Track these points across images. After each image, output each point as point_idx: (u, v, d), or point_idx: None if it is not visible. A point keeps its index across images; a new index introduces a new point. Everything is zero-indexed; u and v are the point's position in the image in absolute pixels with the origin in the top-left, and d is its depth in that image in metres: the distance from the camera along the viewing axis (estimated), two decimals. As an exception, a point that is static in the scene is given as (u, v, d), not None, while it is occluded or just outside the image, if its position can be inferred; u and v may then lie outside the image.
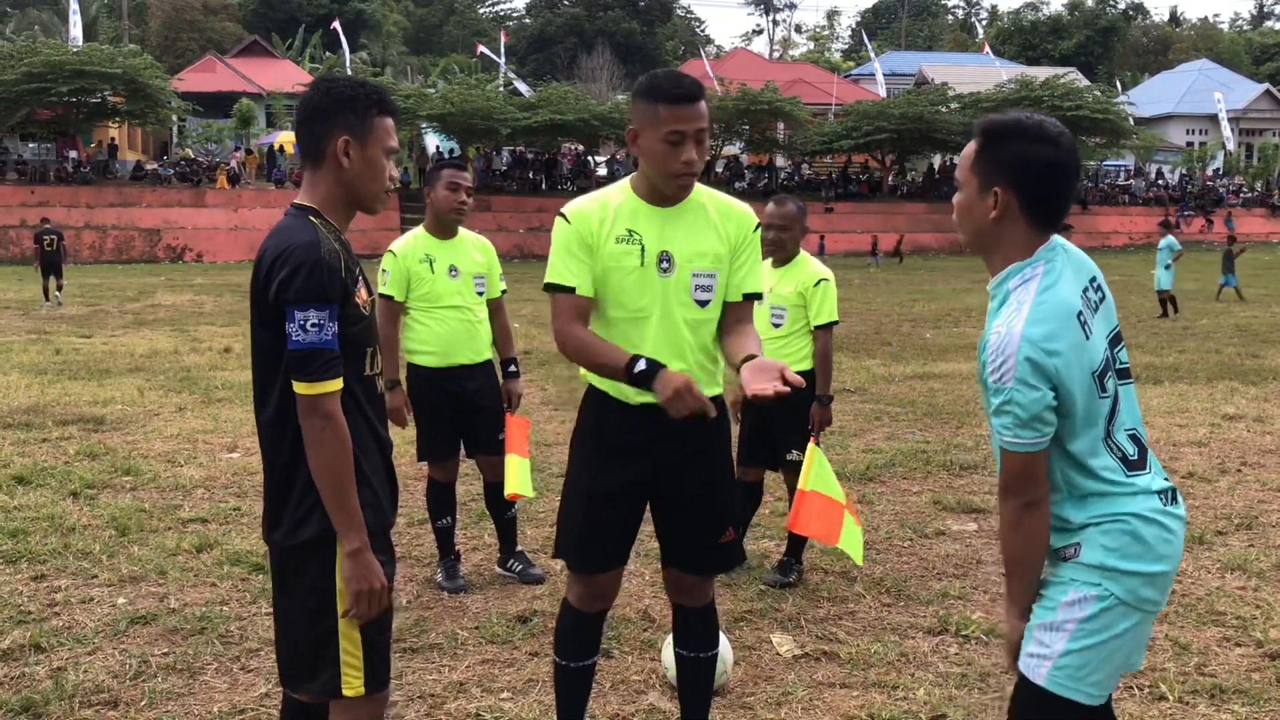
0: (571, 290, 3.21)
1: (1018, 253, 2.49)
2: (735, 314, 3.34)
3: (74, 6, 46.98)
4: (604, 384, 3.30)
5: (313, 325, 2.49)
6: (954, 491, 7.12)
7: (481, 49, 56.66)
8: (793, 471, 5.23)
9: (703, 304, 3.26)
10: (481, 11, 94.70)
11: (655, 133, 3.11)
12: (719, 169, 47.73)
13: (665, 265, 3.22)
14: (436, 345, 5.12)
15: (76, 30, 46.37)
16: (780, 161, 51.24)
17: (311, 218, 2.65)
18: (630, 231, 3.23)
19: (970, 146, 2.54)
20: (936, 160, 52.36)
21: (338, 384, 2.54)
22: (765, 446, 5.44)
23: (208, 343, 15.29)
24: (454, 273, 5.11)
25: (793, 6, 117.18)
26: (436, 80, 56.35)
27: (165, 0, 67.69)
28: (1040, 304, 2.39)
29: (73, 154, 41.38)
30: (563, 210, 3.29)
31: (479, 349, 5.23)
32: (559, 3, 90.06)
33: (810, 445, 5.12)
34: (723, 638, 4.21)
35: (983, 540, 6.08)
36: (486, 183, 43.43)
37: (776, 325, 5.25)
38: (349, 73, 44.70)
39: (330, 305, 2.52)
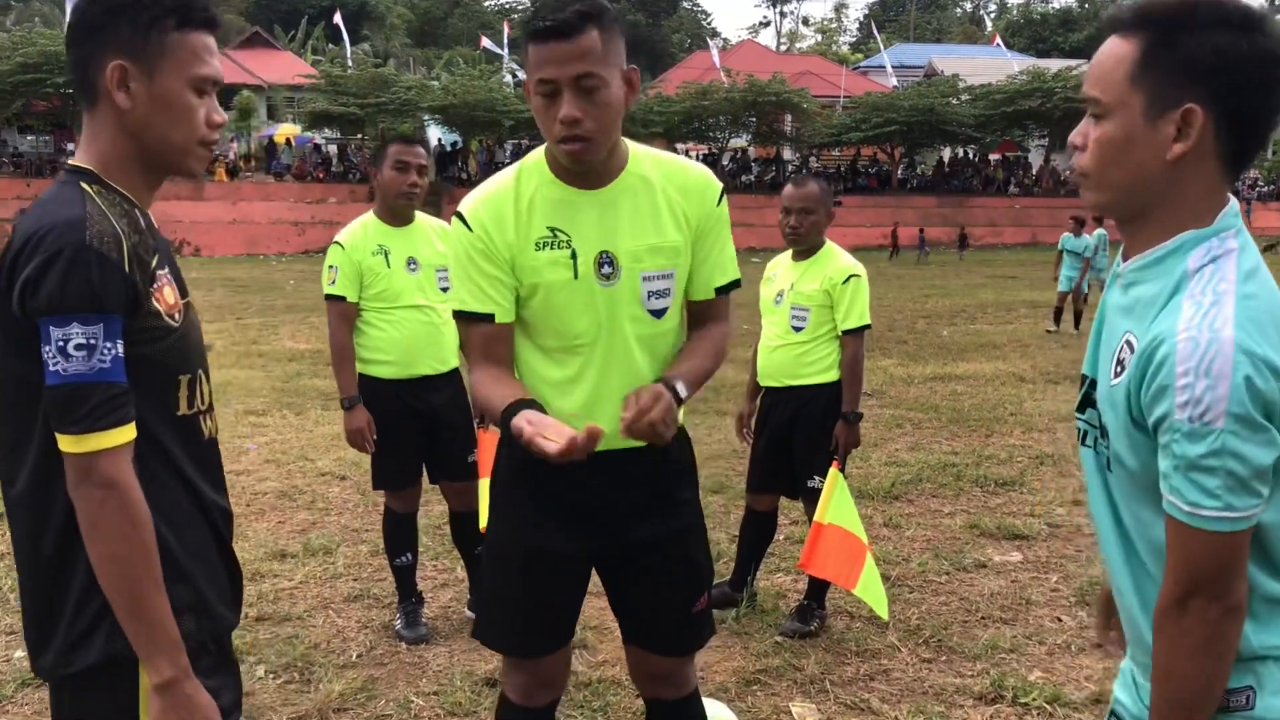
0: (489, 318, 2.39)
1: (1194, 213, 1.60)
2: (701, 313, 2.56)
3: (70, -4, 46.29)
4: None
5: (77, 348, 1.68)
6: (991, 513, 6.32)
7: (485, 42, 55.76)
8: (813, 500, 4.44)
9: (658, 314, 2.45)
10: (486, 4, 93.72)
11: (531, 85, 2.29)
12: (725, 162, 46.93)
13: (607, 271, 2.39)
14: (394, 353, 4.30)
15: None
16: (788, 154, 50.39)
17: (84, 184, 1.82)
18: (554, 231, 2.38)
19: (1120, 47, 1.61)
20: (946, 153, 51.48)
21: (124, 434, 1.73)
22: (782, 469, 4.64)
23: (189, 340, 14.50)
24: (413, 266, 4.29)
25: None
26: (440, 72, 55.56)
27: (166, -8, 66.93)
28: (1250, 297, 1.52)
29: (70, 146, 40.69)
30: (460, 210, 2.45)
31: (444, 356, 4.40)
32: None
33: (832, 470, 4.35)
34: (726, 711, 3.44)
35: (1029, 573, 5.28)
36: (490, 175, 42.65)
37: (797, 329, 4.45)
38: (350, 66, 43.98)
39: (105, 316, 1.70)
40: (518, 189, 2.42)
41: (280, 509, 6.43)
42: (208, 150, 1.93)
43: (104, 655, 1.77)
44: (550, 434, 2.08)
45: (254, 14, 69.92)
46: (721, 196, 2.52)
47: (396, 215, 4.32)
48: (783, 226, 4.42)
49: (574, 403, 2.43)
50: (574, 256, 2.37)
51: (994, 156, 49.85)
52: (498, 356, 2.42)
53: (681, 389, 2.31)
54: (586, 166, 2.34)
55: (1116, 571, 1.69)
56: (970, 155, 50.19)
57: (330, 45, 57.52)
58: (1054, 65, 50.85)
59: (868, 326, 4.40)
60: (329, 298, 4.27)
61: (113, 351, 1.70)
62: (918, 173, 50.68)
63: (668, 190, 2.45)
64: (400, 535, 4.52)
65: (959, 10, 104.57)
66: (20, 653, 4.23)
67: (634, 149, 2.48)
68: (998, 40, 61.54)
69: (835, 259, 4.45)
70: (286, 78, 48.51)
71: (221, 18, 1.95)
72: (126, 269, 1.74)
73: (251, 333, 15.35)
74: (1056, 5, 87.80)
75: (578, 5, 2.22)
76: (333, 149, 44.89)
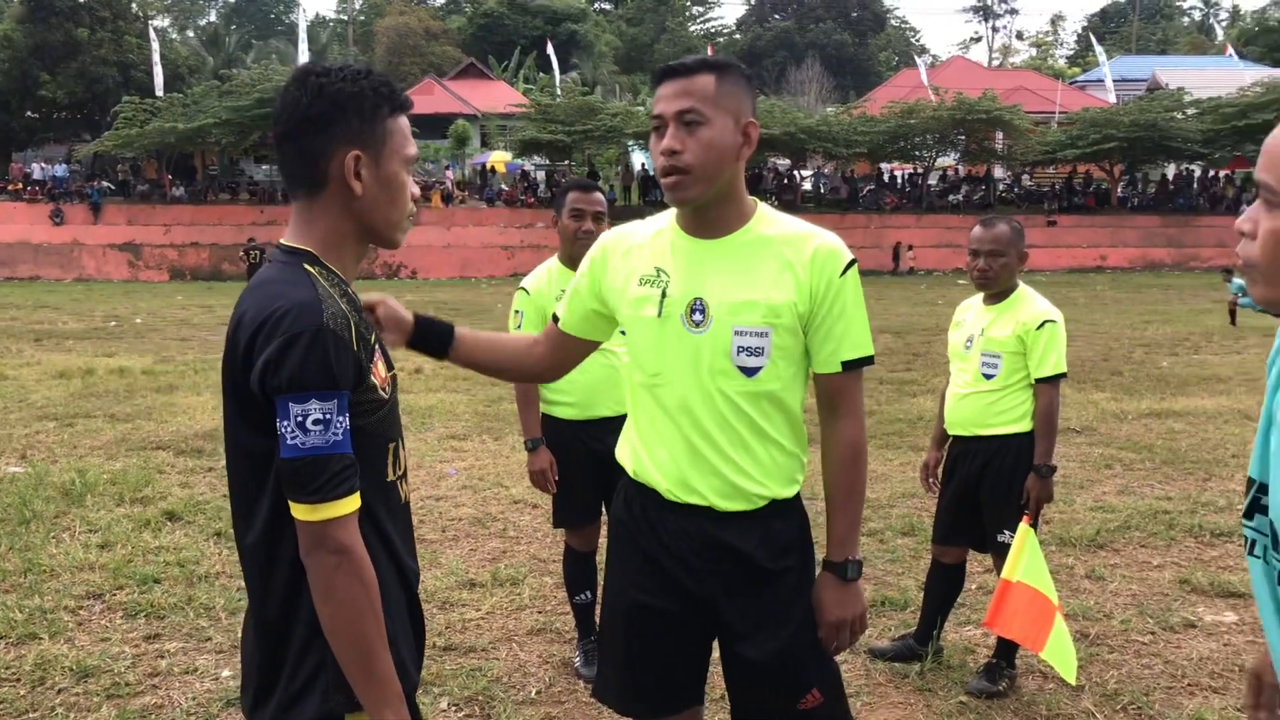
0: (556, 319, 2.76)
1: None
2: (829, 391, 2.49)
3: (302, 35, 49.51)
4: (621, 453, 2.68)
5: (315, 423, 1.80)
6: (1205, 566, 5.91)
7: (690, 65, 56.28)
8: (1003, 555, 4.26)
9: (749, 371, 2.40)
10: (692, 29, 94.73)
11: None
12: (932, 182, 45.83)
13: (698, 318, 2.43)
14: (576, 395, 4.38)
15: (305, 57, 48.81)
16: (999, 173, 48.78)
17: (307, 265, 1.95)
18: (658, 271, 2.49)
19: None
20: (1170, 170, 48.69)
21: (353, 503, 1.85)
22: (970, 522, 4.48)
23: (400, 362, 15.12)
24: (594, 311, 4.37)
25: (1014, 12, 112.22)
26: (645, 98, 56.46)
27: (390, 27, 70.60)
28: None
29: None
30: (602, 235, 2.68)
31: (622, 398, 4.40)
32: (769, 17, 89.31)
33: (1022, 525, 4.15)
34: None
35: (1244, 637, 4.91)
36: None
37: (989, 376, 4.29)
38: (558, 94, 45.20)
39: (338, 393, 1.83)
40: (648, 229, 2.57)
41: (473, 536, 6.62)
42: (410, 222, 2.10)
43: (318, 714, 1.88)
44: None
45: (470, 46, 72.87)
46: (849, 268, 2.45)
47: (576, 260, 4.37)
48: (970, 269, 4.28)
49: (667, 453, 2.49)
50: (664, 296, 2.45)
51: (1224, 173, 46.73)
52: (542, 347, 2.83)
53: (852, 570, 2.48)
54: (686, 205, 2.44)
55: None
56: (1197, 172, 47.33)
57: (541, 74, 59.33)
58: (1293, 75, 47.46)
59: (1064, 375, 4.20)
60: (515, 341, 4.38)
61: (344, 425, 1.84)
62: (1140, 190, 48.12)
63: (786, 252, 2.43)
64: (580, 573, 4.59)
65: (1186, 20, 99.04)
66: (228, 671, 4.51)
67: (766, 212, 2.51)
68: (1230, 51, 57.89)
69: (1029, 304, 4.27)
70: (499, 106, 50.35)
71: (410, 100, 2.07)
72: (355, 347, 1.88)
73: (458, 356, 15.87)
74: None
75: (703, 56, 2.41)
76: (541, 175, 46.25)
